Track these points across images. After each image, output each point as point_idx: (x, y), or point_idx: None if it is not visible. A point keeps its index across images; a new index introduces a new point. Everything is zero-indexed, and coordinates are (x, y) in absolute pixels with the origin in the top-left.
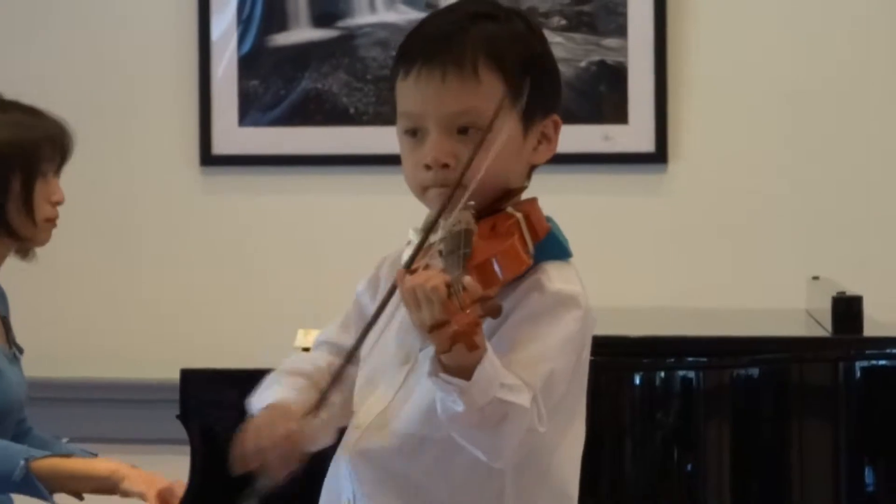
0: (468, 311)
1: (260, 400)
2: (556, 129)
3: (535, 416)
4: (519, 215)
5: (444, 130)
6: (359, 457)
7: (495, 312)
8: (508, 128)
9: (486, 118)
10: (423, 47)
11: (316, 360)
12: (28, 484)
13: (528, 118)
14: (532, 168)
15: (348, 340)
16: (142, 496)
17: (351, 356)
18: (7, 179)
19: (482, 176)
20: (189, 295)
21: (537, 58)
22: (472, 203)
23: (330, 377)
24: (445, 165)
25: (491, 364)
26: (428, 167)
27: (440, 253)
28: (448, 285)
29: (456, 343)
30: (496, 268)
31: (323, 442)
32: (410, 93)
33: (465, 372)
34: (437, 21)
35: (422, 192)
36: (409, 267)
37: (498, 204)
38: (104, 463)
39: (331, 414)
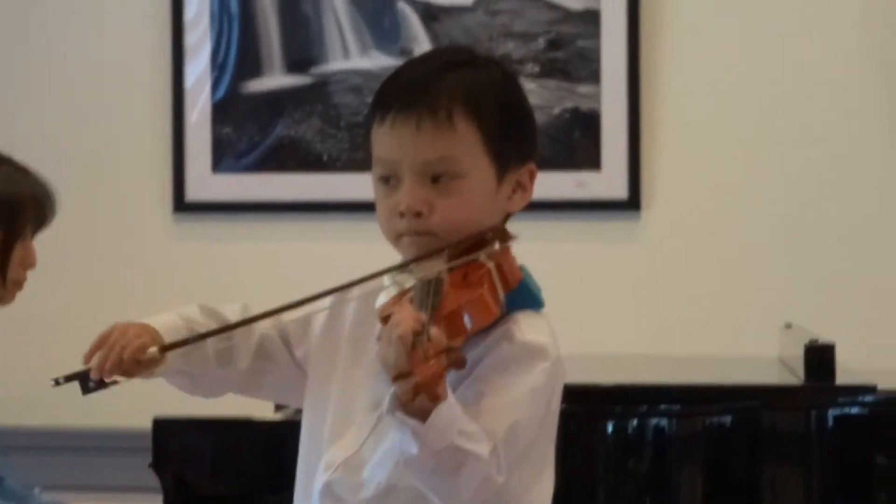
0: (432, 362)
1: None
2: (532, 177)
3: (493, 467)
4: (491, 265)
5: (418, 178)
6: (329, 500)
7: (460, 364)
8: (483, 176)
9: (461, 166)
10: (399, 94)
11: (232, 311)
12: None
13: (503, 166)
14: (508, 216)
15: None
16: None
17: (239, 324)
18: None
19: (455, 222)
20: None
21: (513, 106)
22: (444, 251)
23: (211, 330)
24: (419, 213)
25: (449, 409)
26: (402, 214)
27: (410, 301)
28: (415, 334)
29: (418, 394)
30: (464, 318)
31: (157, 372)
32: (385, 139)
33: (424, 414)
34: (412, 68)
35: (395, 239)
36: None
37: (469, 253)
38: None
39: (185, 360)
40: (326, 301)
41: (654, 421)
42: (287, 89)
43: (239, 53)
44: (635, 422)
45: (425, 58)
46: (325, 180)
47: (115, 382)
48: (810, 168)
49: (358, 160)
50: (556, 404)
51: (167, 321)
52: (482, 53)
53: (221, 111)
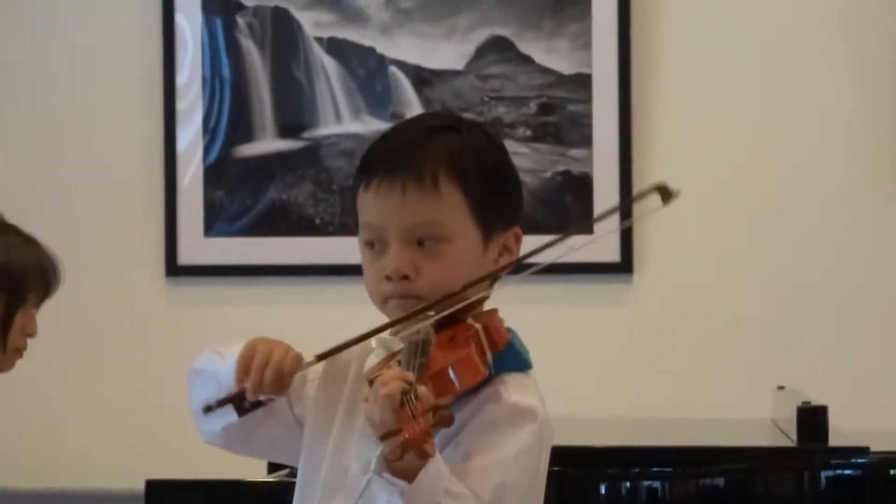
0: (420, 420)
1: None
2: (518, 241)
3: None
4: (478, 326)
5: (405, 242)
6: None
7: (447, 422)
8: (468, 240)
9: (446, 230)
10: (383, 160)
11: None
12: None
13: (489, 230)
14: (494, 279)
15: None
16: None
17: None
18: None
19: (441, 285)
20: (154, 404)
21: (498, 169)
22: (431, 314)
23: (355, 337)
24: (405, 277)
25: (436, 469)
26: (388, 278)
27: (398, 363)
28: (403, 393)
29: (406, 451)
30: (452, 377)
31: (304, 385)
32: (371, 205)
33: (411, 474)
34: (397, 134)
35: (382, 302)
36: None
37: (459, 314)
38: None
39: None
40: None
41: (647, 483)
42: (279, 153)
43: (231, 118)
44: (628, 484)
45: (410, 123)
46: (317, 244)
47: (270, 399)
48: (802, 233)
49: (349, 224)
50: (543, 467)
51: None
52: (466, 118)
53: (213, 175)
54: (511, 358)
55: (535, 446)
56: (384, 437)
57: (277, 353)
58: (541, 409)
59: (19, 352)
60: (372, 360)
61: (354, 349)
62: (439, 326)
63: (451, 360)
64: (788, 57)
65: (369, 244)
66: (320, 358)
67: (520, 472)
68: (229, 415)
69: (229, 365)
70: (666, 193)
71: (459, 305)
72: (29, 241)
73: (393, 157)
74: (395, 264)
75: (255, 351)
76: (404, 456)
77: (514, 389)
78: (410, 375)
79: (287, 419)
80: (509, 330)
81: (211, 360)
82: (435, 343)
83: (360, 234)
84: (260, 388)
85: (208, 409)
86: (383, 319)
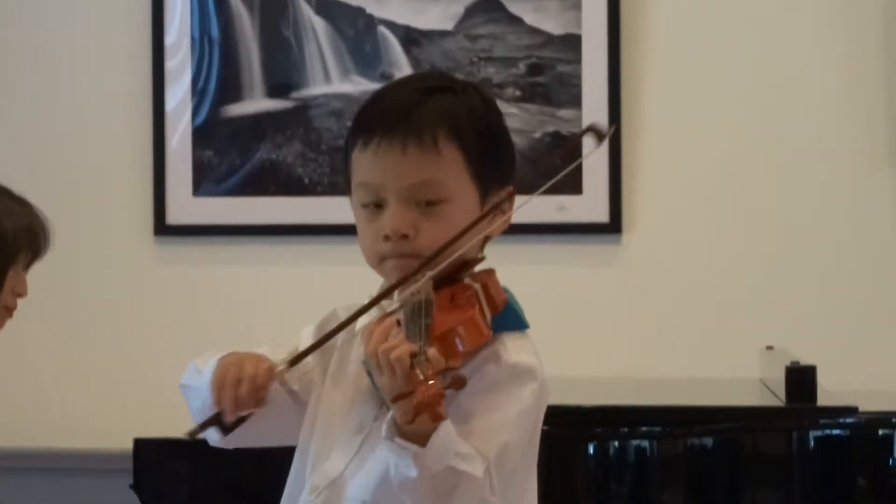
0: (432, 382)
1: (214, 355)
2: (511, 201)
3: (487, 487)
4: (477, 286)
5: (403, 201)
6: None
7: (459, 384)
8: (467, 199)
9: (446, 189)
10: (382, 119)
11: None
12: None
13: (485, 190)
14: (486, 240)
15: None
16: None
17: (307, 352)
18: None
19: (443, 247)
20: (143, 364)
21: (493, 130)
22: (430, 273)
23: (323, 336)
24: (405, 236)
25: (447, 432)
26: (387, 238)
27: (398, 323)
28: (412, 355)
29: (419, 414)
30: (458, 339)
31: (284, 392)
32: (369, 164)
33: (421, 438)
34: (393, 94)
35: (379, 262)
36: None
37: (454, 275)
38: None
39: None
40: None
41: (635, 443)
42: (268, 113)
43: (220, 78)
44: (616, 443)
45: (404, 83)
46: (305, 204)
47: (250, 414)
48: (792, 191)
49: (338, 184)
50: (540, 424)
51: (258, 351)
52: (460, 79)
53: (202, 135)
54: (509, 318)
55: (534, 405)
56: (396, 400)
57: (249, 368)
58: (539, 368)
59: (9, 311)
60: (365, 320)
61: (340, 315)
62: (436, 287)
63: (457, 322)
64: (779, 21)
65: (365, 204)
66: (292, 363)
67: (521, 431)
68: (216, 434)
69: (207, 379)
70: (599, 134)
71: (454, 258)
72: (20, 203)
73: (392, 117)
74: (394, 224)
75: (226, 371)
76: (416, 419)
77: (513, 349)
78: (417, 338)
79: (287, 404)
80: (505, 290)
81: (192, 375)
82: (436, 304)
83: (353, 193)
84: (237, 406)
85: (193, 435)
86: (368, 279)
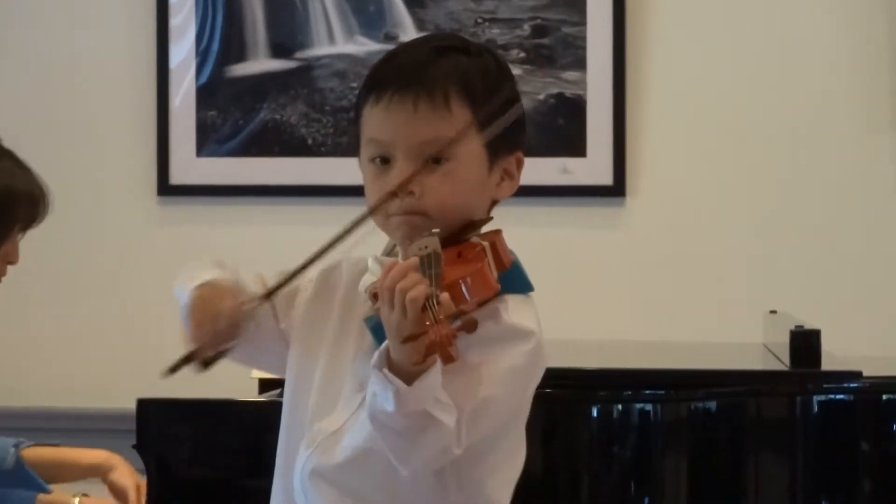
0: (444, 324)
1: (198, 277)
2: (519, 166)
3: (454, 438)
4: (485, 243)
5: (412, 158)
6: (311, 476)
7: (472, 327)
8: (475, 161)
9: (454, 149)
10: (395, 76)
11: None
12: (20, 471)
13: (494, 153)
14: (493, 203)
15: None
16: (124, 493)
17: (281, 284)
18: None
19: (447, 204)
20: (146, 324)
21: (505, 94)
22: (436, 230)
23: (298, 266)
24: (411, 192)
25: (435, 377)
26: (393, 194)
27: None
28: (426, 298)
29: (431, 354)
30: (466, 289)
31: (255, 328)
32: (379, 120)
33: (408, 376)
34: (407, 52)
35: (385, 218)
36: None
37: (460, 235)
38: (95, 452)
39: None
40: (312, 275)
41: (638, 406)
42: (271, 73)
43: (223, 37)
44: (619, 406)
45: (418, 42)
46: (309, 164)
47: (228, 349)
48: (796, 155)
49: (342, 145)
50: (531, 392)
51: (227, 276)
52: (475, 42)
53: (205, 95)
54: (516, 278)
55: (526, 368)
56: (406, 340)
57: (217, 304)
58: (538, 333)
59: None
60: (369, 278)
61: (344, 268)
62: (443, 245)
63: (466, 272)
64: None
65: (375, 160)
66: (267, 296)
67: (506, 390)
68: (193, 371)
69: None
70: None
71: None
72: (21, 168)
73: (404, 74)
74: (401, 180)
75: (204, 304)
76: (427, 359)
77: (514, 311)
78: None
79: (272, 330)
80: (511, 252)
81: (181, 289)
82: (444, 258)
83: (363, 149)
84: (214, 342)
85: (171, 372)
86: (373, 239)
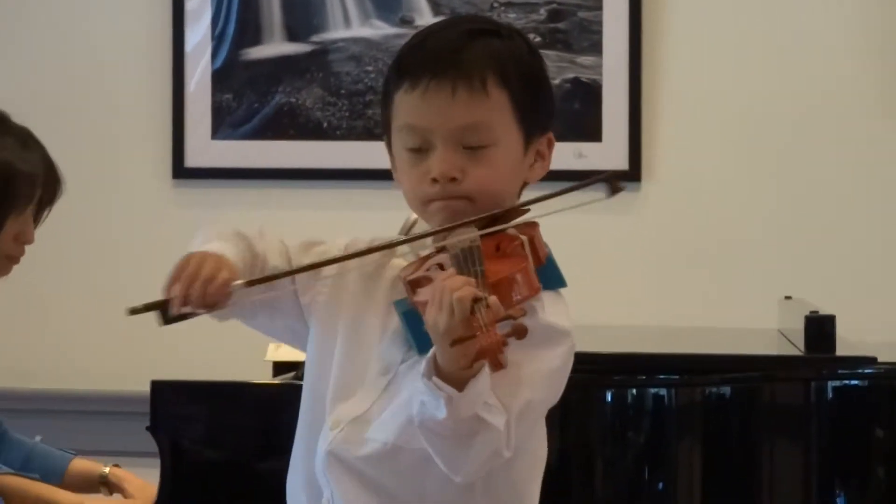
0: (493, 329)
1: (206, 246)
2: (551, 147)
3: (504, 441)
4: (524, 238)
5: (451, 144)
6: (334, 460)
7: (522, 333)
8: (512, 144)
9: (493, 133)
10: (430, 61)
11: (269, 241)
12: None
13: (529, 135)
14: (524, 185)
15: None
16: None
17: (293, 272)
18: None
19: (489, 188)
20: None
21: (538, 75)
22: (473, 218)
23: (292, 269)
24: (453, 179)
25: (484, 381)
26: (434, 180)
27: (441, 267)
28: (474, 300)
29: (480, 360)
30: (511, 290)
31: (234, 309)
32: (416, 106)
33: (457, 382)
34: (439, 35)
35: (424, 205)
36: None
37: (496, 222)
38: (69, 496)
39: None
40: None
41: (652, 391)
42: (287, 57)
43: (239, 20)
44: (634, 391)
45: (448, 25)
46: (324, 148)
47: (195, 314)
48: (811, 140)
49: (357, 128)
50: (563, 388)
51: (236, 254)
52: (503, 23)
53: (221, 78)
54: (550, 273)
55: (562, 368)
56: (455, 343)
57: (207, 270)
58: (572, 332)
59: (13, 258)
60: (399, 260)
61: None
62: (481, 236)
63: (511, 271)
64: None
65: (410, 147)
66: (249, 284)
67: (545, 391)
68: (158, 321)
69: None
70: (614, 187)
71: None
72: (27, 147)
73: (440, 59)
74: (443, 167)
75: (187, 264)
76: (475, 364)
77: (549, 309)
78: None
79: (290, 307)
80: (546, 245)
81: (190, 247)
82: (483, 251)
83: (396, 136)
84: (183, 301)
85: (133, 312)
86: (387, 224)
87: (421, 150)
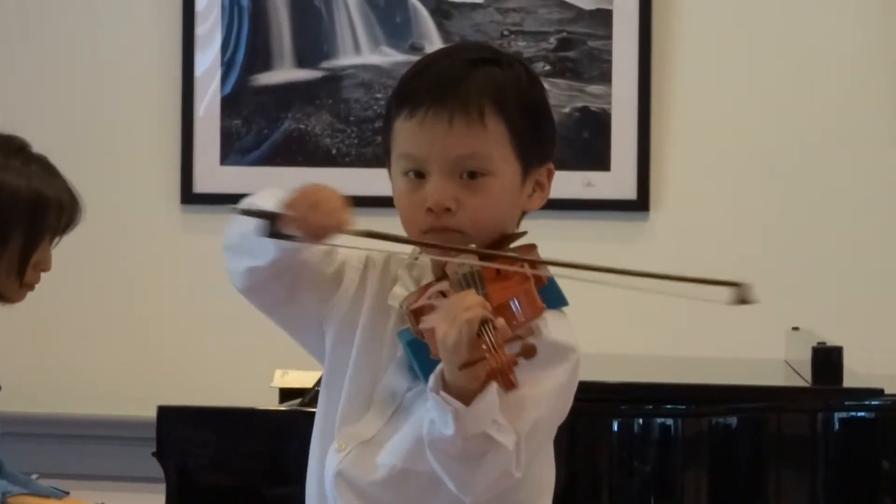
0: (503, 349)
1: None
2: (550, 177)
3: (513, 461)
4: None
5: (447, 174)
6: (343, 482)
7: (531, 353)
8: (510, 174)
9: (490, 164)
10: (429, 89)
11: None
12: None
13: (527, 165)
14: (523, 214)
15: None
16: None
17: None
18: (8, 234)
19: (483, 219)
20: (167, 333)
21: (537, 105)
22: (472, 245)
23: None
24: (448, 209)
25: (492, 398)
26: (429, 210)
27: (443, 294)
28: (482, 322)
29: (491, 380)
30: (515, 311)
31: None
32: (414, 134)
33: (466, 397)
34: (440, 63)
35: (420, 235)
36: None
37: (495, 248)
38: None
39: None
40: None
41: (659, 420)
42: (297, 83)
43: (249, 46)
44: (641, 421)
45: (448, 53)
46: (333, 175)
47: (296, 240)
48: (819, 172)
49: (366, 155)
50: (570, 404)
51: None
52: (504, 51)
53: (230, 104)
54: (552, 293)
55: (568, 385)
56: (464, 367)
57: (330, 203)
58: (577, 348)
59: (31, 286)
60: (400, 290)
61: (378, 262)
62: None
63: (513, 293)
64: None
65: (408, 174)
66: (368, 235)
67: (553, 409)
68: (258, 229)
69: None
70: (740, 297)
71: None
72: (51, 175)
73: (439, 88)
74: (437, 197)
75: (313, 191)
76: (486, 385)
77: (553, 327)
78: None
79: (317, 279)
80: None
81: (267, 196)
82: (484, 276)
83: (395, 163)
84: (299, 223)
85: (245, 211)
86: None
87: (417, 178)
